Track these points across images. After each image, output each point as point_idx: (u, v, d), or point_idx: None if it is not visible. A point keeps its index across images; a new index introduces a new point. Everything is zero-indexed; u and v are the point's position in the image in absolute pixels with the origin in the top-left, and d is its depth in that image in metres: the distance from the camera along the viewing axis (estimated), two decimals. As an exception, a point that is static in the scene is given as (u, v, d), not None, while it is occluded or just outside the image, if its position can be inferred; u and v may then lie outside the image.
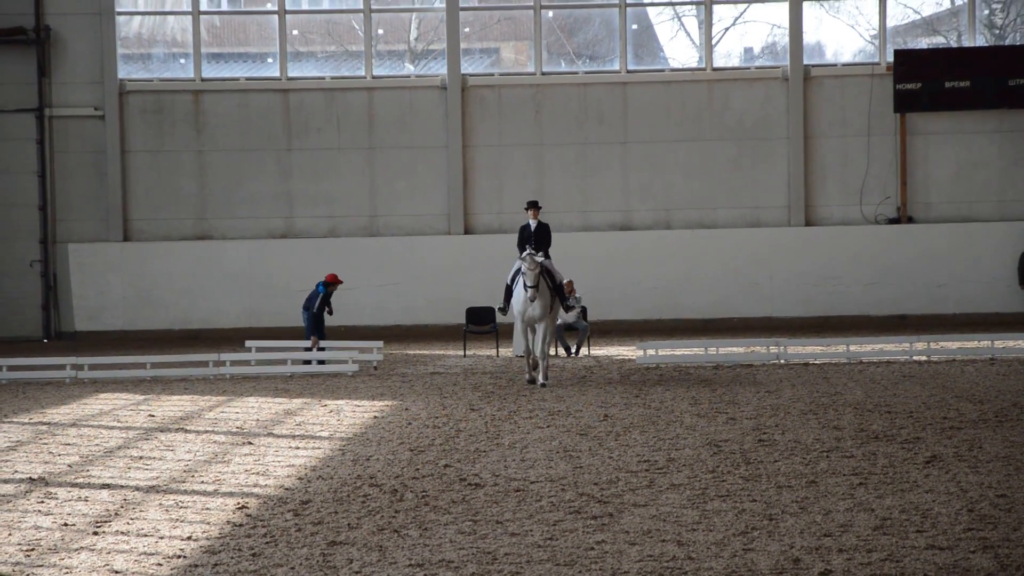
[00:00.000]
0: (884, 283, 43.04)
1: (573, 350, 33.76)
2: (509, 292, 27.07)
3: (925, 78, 43.13)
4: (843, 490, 15.61)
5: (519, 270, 26.67)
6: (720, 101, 44.16)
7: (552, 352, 34.04)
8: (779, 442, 19.25)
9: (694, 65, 44.85)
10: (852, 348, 31.77)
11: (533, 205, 27.52)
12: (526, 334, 26.98)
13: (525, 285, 26.27)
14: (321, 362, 31.79)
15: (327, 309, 32.04)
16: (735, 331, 40.43)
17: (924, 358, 30.94)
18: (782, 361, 30.85)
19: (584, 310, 34.44)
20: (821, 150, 44.02)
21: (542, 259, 26.54)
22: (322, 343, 31.96)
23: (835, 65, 44.37)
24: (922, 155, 43.83)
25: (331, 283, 32.04)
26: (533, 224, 27.41)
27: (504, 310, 27.45)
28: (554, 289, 26.85)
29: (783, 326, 41.44)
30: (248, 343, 33.35)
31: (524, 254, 26.40)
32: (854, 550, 12.71)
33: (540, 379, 26.70)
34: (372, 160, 44.34)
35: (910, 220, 43.75)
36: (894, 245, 43.26)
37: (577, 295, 34.33)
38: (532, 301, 26.21)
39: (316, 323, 31.95)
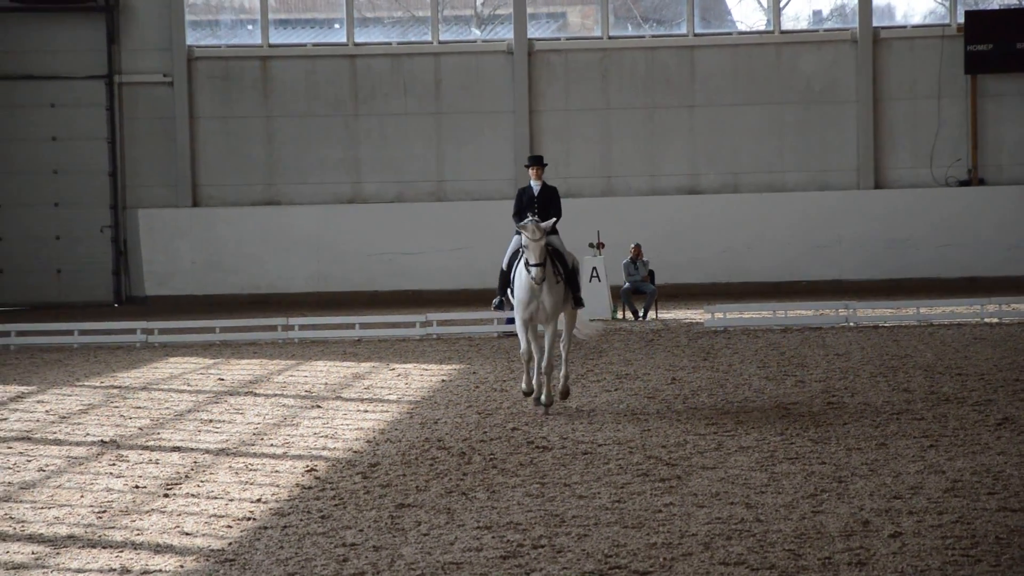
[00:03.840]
0: (955, 245, 42.70)
1: (641, 314, 33.69)
2: (507, 280, 19.88)
3: (996, 39, 42.67)
4: (913, 452, 15.52)
5: (518, 251, 19.61)
6: (788, 64, 43.87)
7: (620, 316, 33.95)
8: (848, 404, 19.16)
9: (762, 28, 44.56)
10: (922, 310, 31.57)
11: (536, 162, 20.12)
12: (528, 330, 19.65)
13: (527, 264, 19.04)
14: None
15: None
16: (804, 294, 40.22)
17: (995, 320, 30.69)
18: (851, 324, 30.69)
19: (652, 274, 34.34)
20: (890, 112, 43.66)
21: (550, 224, 19.22)
22: None
23: (905, 27, 43.99)
24: (993, 117, 43.41)
25: None
26: (536, 187, 20.01)
27: (501, 305, 20.37)
28: (566, 277, 19.60)
29: (852, 289, 41.20)
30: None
31: (525, 221, 19.22)
32: (924, 512, 12.64)
33: (543, 396, 19.57)
34: (439, 125, 44.34)
35: (981, 182, 43.37)
36: (965, 207, 42.90)
37: (645, 259, 34.26)
38: (539, 285, 18.95)
39: None
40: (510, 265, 19.72)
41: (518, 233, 19.36)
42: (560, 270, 19.41)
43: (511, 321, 30.87)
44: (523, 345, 19.67)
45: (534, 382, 19.73)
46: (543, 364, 19.40)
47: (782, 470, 14.77)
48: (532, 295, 19.10)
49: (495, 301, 20.37)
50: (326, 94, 44.32)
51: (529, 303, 19.17)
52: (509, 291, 19.70)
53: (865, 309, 31.89)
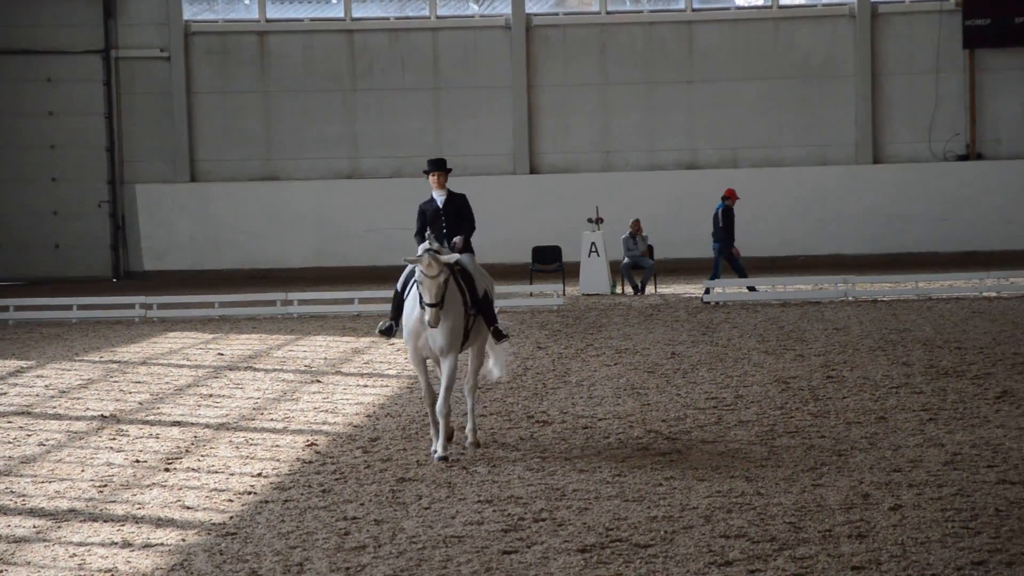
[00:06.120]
0: (953, 220, 42.70)
1: (640, 288, 33.70)
2: (399, 302, 15.71)
3: (994, 14, 42.61)
4: (913, 426, 15.54)
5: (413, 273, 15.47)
6: (787, 39, 43.81)
7: (619, 291, 33.94)
8: (848, 379, 19.18)
9: (760, 3, 44.49)
10: (921, 284, 31.60)
11: (437, 166, 16.13)
12: (423, 370, 15.55)
13: (421, 301, 15.01)
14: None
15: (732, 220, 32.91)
16: (802, 269, 40.22)
17: (994, 294, 30.69)
18: (850, 298, 30.70)
19: (651, 249, 34.35)
20: (889, 87, 43.62)
21: (452, 257, 15.26)
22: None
23: (903, 1, 43.89)
24: (991, 92, 43.35)
25: (728, 197, 32.88)
26: (440, 197, 15.99)
27: (390, 331, 15.89)
28: (475, 304, 15.62)
29: (851, 263, 41.19)
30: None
31: (420, 251, 15.15)
32: (924, 485, 12.66)
33: (439, 449, 15.03)
34: (437, 101, 44.30)
35: (979, 157, 43.35)
36: (963, 182, 42.90)
37: (644, 234, 34.26)
38: (433, 327, 14.92)
39: (727, 236, 32.55)
40: (406, 286, 15.59)
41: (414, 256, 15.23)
42: (466, 297, 15.43)
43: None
44: (423, 388, 15.57)
45: (436, 427, 15.30)
46: (439, 404, 15.07)
47: (782, 444, 14.80)
48: (420, 327, 15.14)
49: (381, 325, 16.05)
50: (324, 69, 44.27)
51: (419, 336, 15.23)
52: (403, 318, 15.57)
53: (864, 283, 31.92)
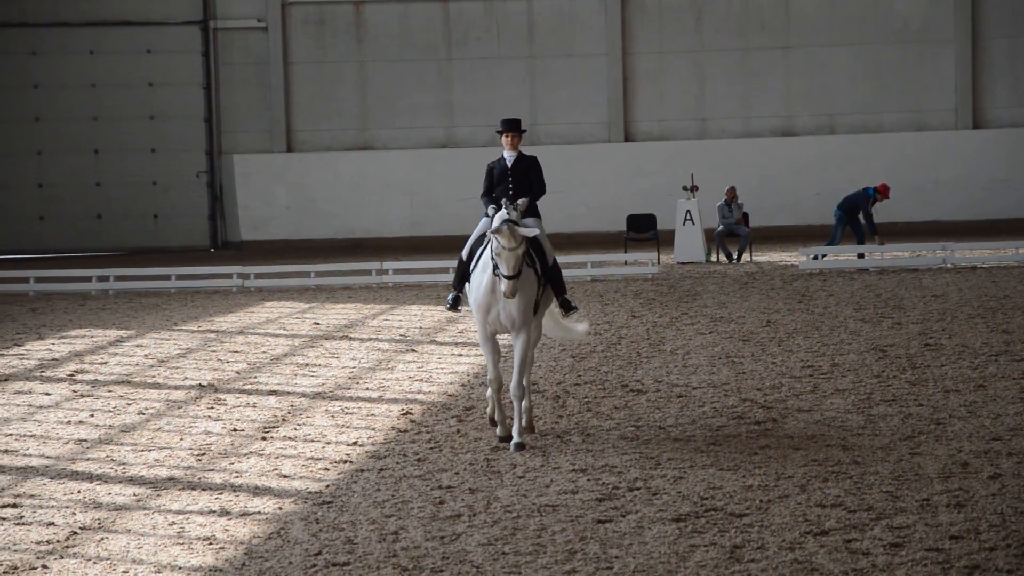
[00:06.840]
0: (1055, 186, 42.15)
1: (735, 256, 33.52)
2: (464, 271, 15.18)
3: (1101, -26, 41.96)
4: (1013, 394, 15.37)
5: (482, 239, 15.03)
6: (885, 3, 43.32)
7: (714, 259, 33.78)
8: (946, 346, 19.00)
9: (858, -34, 44.02)
10: (1021, 251, 31.18)
11: (511, 127, 15.51)
12: (493, 349, 14.76)
13: (496, 270, 14.38)
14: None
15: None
16: (900, 235, 39.84)
17: (1096, 262, 30.30)
18: (949, 265, 30.39)
19: (746, 216, 34.14)
20: (989, 51, 43.03)
21: (532, 232, 14.51)
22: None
23: (1004, -37, 43.30)
24: (1096, 54, 42.75)
25: (881, 192, 32.80)
26: (510, 158, 15.52)
27: (456, 302, 15.39)
28: (543, 273, 14.98)
29: (950, 230, 40.75)
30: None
31: (496, 216, 14.62)
32: (1024, 454, 12.55)
33: (515, 435, 14.25)
34: (532, 69, 44.23)
35: (1082, 121, 42.75)
36: (1066, 147, 42.32)
37: (739, 201, 34.07)
38: (510, 297, 14.29)
39: (870, 224, 32.47)
40: (472, 254, 15.08)
41: (487, 215, 15.09)
42: (537, 267, 14.81)
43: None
44: (490, 370, 14.76)
45: (497, 415, 14.71)
46: (513, 385, 14.42)
47: (879, 412, 14.69)
48: (493, 299, 14.50)
49: (448, 298, 15.52)
50: (419, 38, 44.31)
51: (491, 309, 14.56)
52: (467, 286, 15.09)
53: (963, 250, 31.59)
